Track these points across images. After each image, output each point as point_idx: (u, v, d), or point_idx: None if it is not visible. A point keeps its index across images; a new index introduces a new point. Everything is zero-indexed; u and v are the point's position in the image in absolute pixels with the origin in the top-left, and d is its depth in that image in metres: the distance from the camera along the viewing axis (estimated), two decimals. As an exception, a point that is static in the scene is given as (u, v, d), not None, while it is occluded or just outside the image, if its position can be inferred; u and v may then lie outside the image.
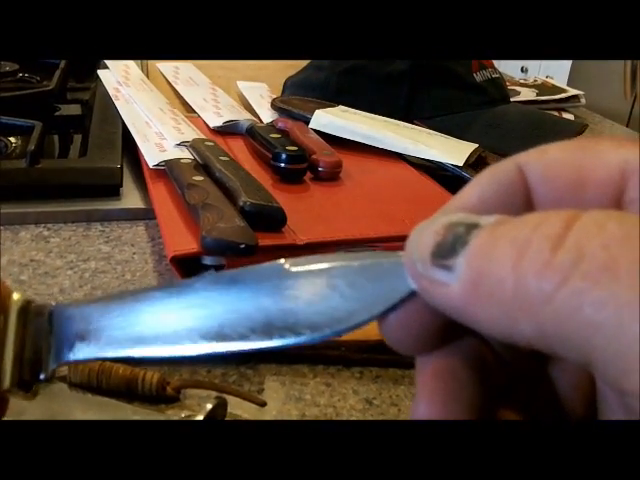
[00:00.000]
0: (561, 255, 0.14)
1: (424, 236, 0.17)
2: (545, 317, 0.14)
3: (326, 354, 0.43)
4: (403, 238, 0.56)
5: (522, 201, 0.18)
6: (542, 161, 0.18)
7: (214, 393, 0.39)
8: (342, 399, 0.40)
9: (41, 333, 0.23)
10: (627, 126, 1.47)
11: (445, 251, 0.16)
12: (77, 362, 0.22)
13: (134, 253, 0.54)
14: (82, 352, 0.22)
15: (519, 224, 0.15)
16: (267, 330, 0.19)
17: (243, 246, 0.46)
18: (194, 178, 0.55)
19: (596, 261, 0.14)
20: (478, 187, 0.19)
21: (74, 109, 0.83)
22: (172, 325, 0.21)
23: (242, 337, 0.19)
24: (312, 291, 0.19)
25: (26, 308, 0.23)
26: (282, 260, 0.20)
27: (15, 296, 0.23)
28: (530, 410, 0.20)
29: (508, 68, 2.66)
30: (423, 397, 0.19)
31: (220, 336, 0.20)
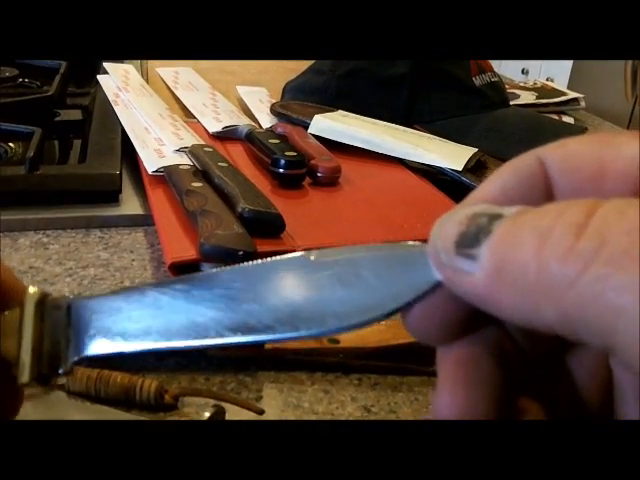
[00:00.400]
0: (583, 241, 0.14)
1: (447, 226, 0.17)
2: (568, 302, 0.15)
3: (324, 361, 0.43)
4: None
5: (543, 193, 0.19)
6: (562, 154, 0.18)
7: (212, 401, 0.39)
8: (340, 406, 0.40)
9: (59, 326, 0.22)
10: (628, 128, 1.47)
11: (468, 241, 0.16)
12: (97, 356, 0.22)
13: (133, 260, 0.54)
14: (103, 346, 0.22)
15: (541, 213, 0.16)
16: (293, 321, 0.19)
17: (241, 253, 0.46)
18: (193, 184, 0.55)
19: (618, 247, 0.14)
20: (500, 179, 0.19)
21: (74, 114, 0.83)
22: (196, 317, 0.21)
23: (268, 328, 0.20)
24: (338, 282, 0.19)
25: (43, 301, 0.23)
26: (307, 251, 0.20)
27: (31, 289, 0.23)
28: (548, 400, 0.20)
29: (508, 70, 2.66)
30: (445, 386, 0.19)
31: (246, 327, 0.20)
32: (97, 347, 0.22)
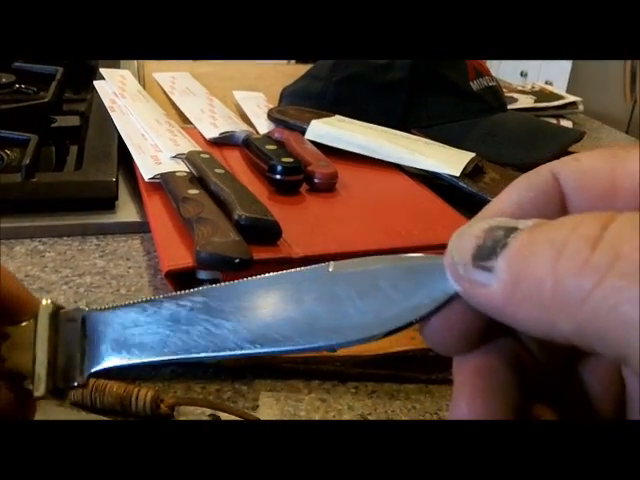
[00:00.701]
0: (598, 255, 0.15)
1: (464, 240, 0.18)
2: (583, 315, 0.15)
3: (321, 369, 0.43)
4: (400, 250, 0.56)
5: (557, 207, 0.19)
6: (576, 169, 0.19)
7: (208, 410, 0.39)
8: (337, 415, 0.40)
9: (74, 339, 0.22)
10: (627, 131, 1.47)
11: (485, 253, 0.17)
12: (114, 368, 0.22)
13: (129, 267, 0.54)
14: (120, 358, 0.22)
15: (556, 226, 0.16)
16: (312, 332, 0.20)
17: (237, 260, 0.46)
18: (189, 191, 0.54)
19: (632, 260, 0.14)
20: (514, 193, 0.19)
21: (71, 120, 0.83)
22: (214, 328, 0.21)
23: (287, 339, 0.20)
24: (356, 293, 0.20)
25: (56, 314, 0.23)
26: (325, 263, 0.20)
27: (44, 302, 0.23)
28: (562, 407, 0.21)
29: (507, 73, 2.66)
30: (463, 396, 0.20)
31: (264, 338, 0.20)
32: (114, 359, 0.22)
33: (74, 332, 0.22)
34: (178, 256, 0.48)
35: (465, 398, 0.19)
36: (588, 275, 0.15)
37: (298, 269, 0.21)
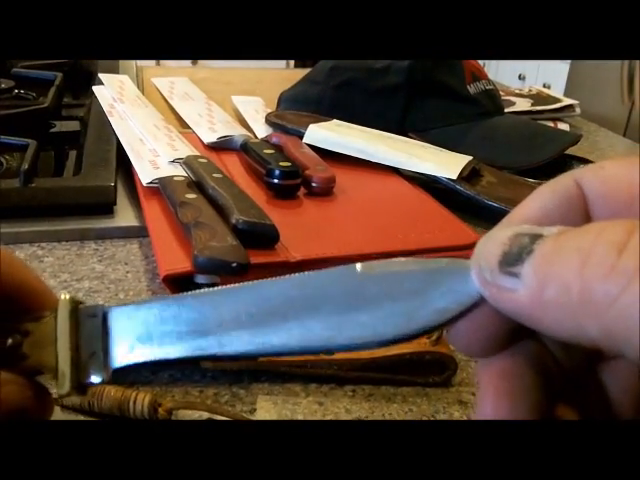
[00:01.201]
0: (624, 259, 0.15)
1: (490, 246, 0.18)
2: (610, 319, 0.15)
3: (319, 373, 0.43)
4: (397, 253, 0.56)
5: (580, 215, 0.19)
6: (599, 177, 0.19)
7: (206, 414, 0.39)
8: (334, 418, 0.40)
9: (95, 335, 0.22)
10: (624, 134, 1.47)
11: (512, 260, 0.17)
12: (137, 365, 0.22)
13: (127, 272, 0.54)
14: (142, 353, 0.22)
15: (582, 233, 0.16)
16: (341, 332, 0.20)
17: (235, 265, 0.46)
18: (187, 196, 0.55)
19: None
20: (538, 201, 0.20)
21: (70, 125, 0.83)
22: (237, 325, 0.21)
23: (319, 338, 0.20)
24: (385, 295, 0.20)
25: (76, 309, 0.23)
26: (354, 264, 0.21)
27: (62, 296, 0.23)
28: (584, 409, 0.21)
29: (506, 76, 2.67)
30: (489, 397, 0.20)
31: (297, 336, 0.20)
32: (138, 355, 0.22)
33: (95, 328, 0.22)
34: (176, 261, 0.49)
35: (490, 400, 0.20)
36: (615, 280, 0.15)
37: (325, 270, 0.21)
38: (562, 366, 0.21)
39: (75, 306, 0.23)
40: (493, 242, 0.18)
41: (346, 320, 0.20)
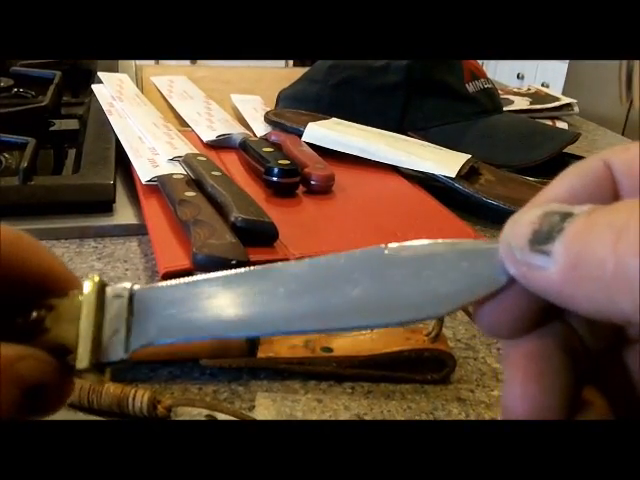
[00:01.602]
0: None
1: (520, 225, 0.18)
2: None
3: (318, 370, 0.43)
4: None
5: (609, 194, 0.20)
6: (627, 156, 0.20)
7: (205, 411, 0.39)
8: (334, 415, 0.40)
9: (120, 315, 0.22)
10: (623, 133, 1.47)
11: (542, 238, 0.17)
12: (162, 344, 0.22)
13: (127, 269, 0.54)
14: (168, 335, 0.22)
15: (614, 210, 0.17)
16: (369, 311, 0.20)
17: (234, 262, 0.46)
18: (186, 194, 0.55)
19: None
20: (567, 181, 0.20)
21: (70, 124, 0.83)
22: (264, 308, 0.21)
23: (343, 317, 0.20)
24: (413, 274, 0.20)
25: (102, 289, 0.23)
26: (382, 245, 0.21)
27: (90, 278, 0.23)
28: (610, 392, 0.21)
29: (504, 75, 2.67)
30: (516, 380, 0.20)
31: (320, 315, 0.20)
32: (162, 336, 0.22)
33: (121, 308, 0.22)
34: (175, 258, 0.49)
35: (519, 381, 0.20)
36: None
37: (353, 251, 0.21)
38: (589, 349, 0.21)
39: (102, 286, 0.23)
40: (522, 221, 0.18)
41: (373, 299, 0.20)
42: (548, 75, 2.49)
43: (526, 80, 2.61)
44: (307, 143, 0.72)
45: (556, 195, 0.20)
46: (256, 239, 0.51)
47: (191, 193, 0.55)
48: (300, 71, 0.89)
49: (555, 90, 1.20)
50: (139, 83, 0.97)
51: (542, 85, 2.08)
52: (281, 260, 0.51)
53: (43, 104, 0.79)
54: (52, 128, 0.81)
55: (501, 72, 2.70)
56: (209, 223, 0.50)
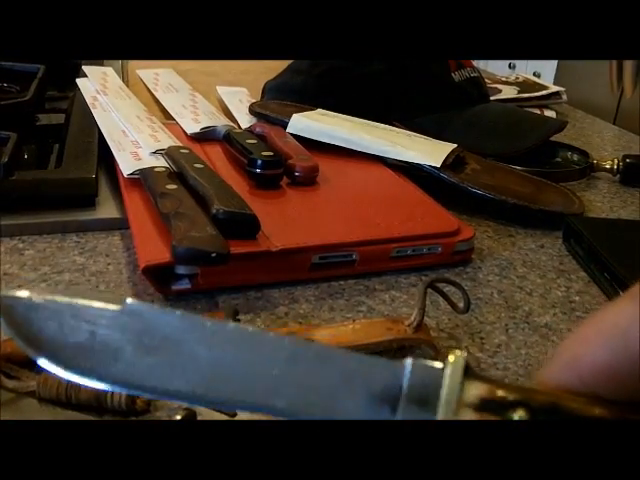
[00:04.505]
0: None
1: None
2: None
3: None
4: (379, 242, 0.55)
5: None
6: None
7: (184, 404, 0.39)
8: (314, 407, 0.40)
9: None
10: (614, 122, 1.47)
11: None
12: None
13: (109, 264, 0.54)
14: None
15: None
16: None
17: (214, 255, 0.46)
18: (167, 186, 0.54)
19: None
20: None
21: (56, 118, 0.82)
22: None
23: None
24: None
25: None
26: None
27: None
28: None
29: (496, 65, 2.66)
30: None
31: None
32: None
33: None
34: (155, 252, 0.48)
35: None
36: None
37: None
38: None
39: None
40: None
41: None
42: (539, 65, 2.48)
43: (518, 69, 2.60)
44: (292, 134, 0.71)
45: None
46: (238, 231, 0.51)
47: (172, 186, 0.55)
48: (286, 62, 0.89)
49: (547, 80, 1.20)
50: (124, 76, 0.97)
51: (534, 74, 2.07)
52: (263, 252, 0.50)
53: (26, 98, 0.78)
54: (38, 123, 0.80)
55: (493, 62, 2.69)
56: (190, 216, 0.50)
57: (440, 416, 0.20)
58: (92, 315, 0.21)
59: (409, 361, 0.21)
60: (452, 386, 0.20)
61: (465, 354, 0.21)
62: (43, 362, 0.21)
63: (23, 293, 0.21)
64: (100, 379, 0.20)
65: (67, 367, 0.21)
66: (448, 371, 0.20)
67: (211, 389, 0.20)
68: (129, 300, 0.21)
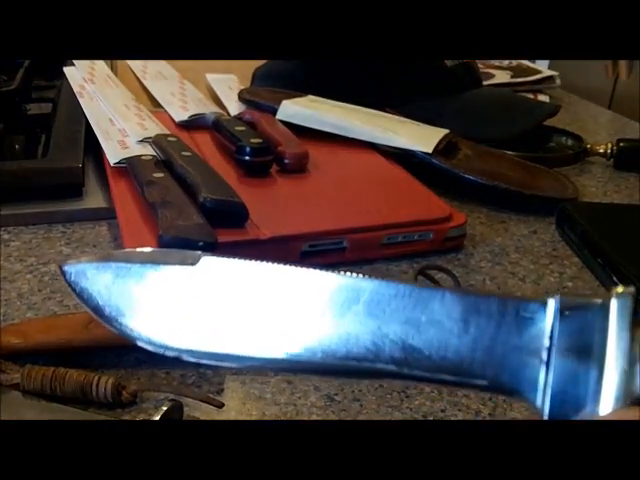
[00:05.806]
0: None
1: None
2: None
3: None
4: (369, 229, 0.55)
5: None
6: None
7: (171, 395, 0.38)
8: (303, 396, 0.40)
9: None
10: (609, 107, 1.46)
11: None
12: None
13: (96, 254, 0.53)
14: None
15: None
16: None
17: (201, 244, 0.45)
18: (154, 175, 0.53)
19: None
20: None
21: (44, 108, 0.81)
22: None
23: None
24: None
25: None
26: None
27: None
28: None
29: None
30: None
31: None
32: None
33: None
34: (142, 241, 0.48)
35: None
36: None
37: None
38: None
39: None
40: None
41: None
42: (534, 50, 2.46)
43: (512, 55, 2.59)
44: (282, 121, 0.70)
45: None
46: (226, 220, 0.50)
47: (159, 174, 0.54)
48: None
49: (542, 65, 1.19)
50: (113, 65, 0.95)
51: (529, 59, 2.06)
52: (252, 240, 0.49)
53: (12, 87, 0.77)
54: (28, 112, 0.79)
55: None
56: (177, 204, 0.49)
57: (607, 372, 0.15)
58: None
59: (555, 297, 0.16)
60: (620, 332, 0.15)
61: (633, 290, 0.15)
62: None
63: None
64: None
65: None
66: (614, 310, 0.15)
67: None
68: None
